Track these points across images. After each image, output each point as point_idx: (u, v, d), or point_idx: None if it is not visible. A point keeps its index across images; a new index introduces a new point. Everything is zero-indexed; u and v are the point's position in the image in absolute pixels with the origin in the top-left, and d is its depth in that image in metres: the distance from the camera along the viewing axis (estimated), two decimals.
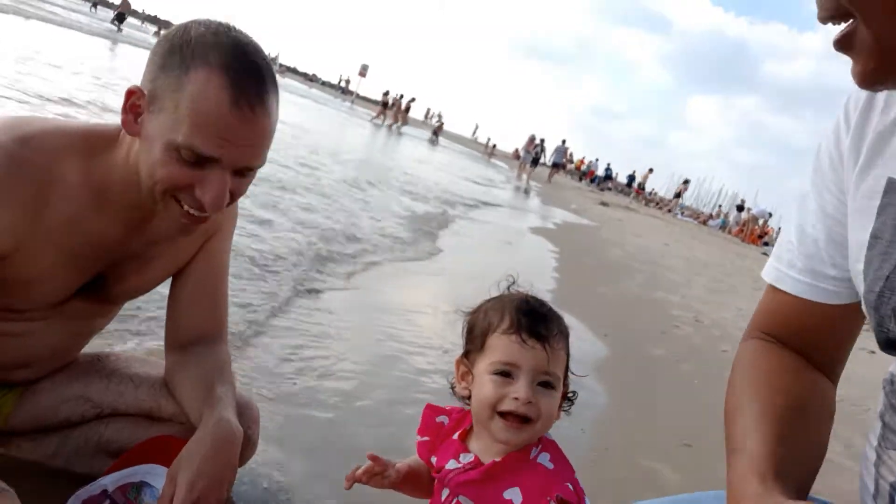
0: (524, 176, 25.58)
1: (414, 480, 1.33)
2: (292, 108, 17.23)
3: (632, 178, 41.74)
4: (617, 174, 39.89)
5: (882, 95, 0.86)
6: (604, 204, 20.82)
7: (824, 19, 0.72)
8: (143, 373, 1.57)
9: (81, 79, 8.75)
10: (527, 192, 18.84)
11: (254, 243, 4.14)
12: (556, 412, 1.20)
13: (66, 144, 1.27)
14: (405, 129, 32.57)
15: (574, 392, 1.24)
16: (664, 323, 5.18)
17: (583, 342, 4.04)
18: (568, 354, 1.20)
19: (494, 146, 41.90)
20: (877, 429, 0.88)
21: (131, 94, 1.22)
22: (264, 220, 4.77)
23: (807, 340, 0.97)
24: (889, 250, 0.81)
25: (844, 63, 0.74)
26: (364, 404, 2.47)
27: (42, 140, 1.25)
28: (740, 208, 33.84)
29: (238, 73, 1.18)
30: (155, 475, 1.37)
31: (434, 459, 1.25)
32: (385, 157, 14.34)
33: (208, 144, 1.17)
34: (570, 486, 1.14)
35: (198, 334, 1.55)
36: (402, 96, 33.77)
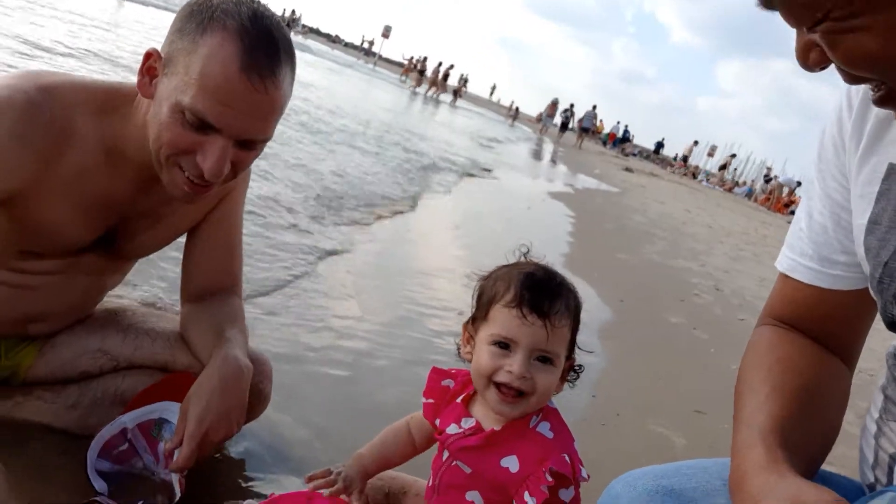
0: (545, 138, 25.56)
1: (383, 464, 1.36)
2: (311, 69, 17.13)
3: (660, 144, 41.26)
4: (633, 136, 39.52)
5: None
6: (628, 170, 20.58)
7: (851, 84, 0.72)
8: (159, 327, 1.60)
9: (86, 32, 8.76)
10: (553, 160, 18.63)
11: (265, 197, 4.17)
12: (559, 385, 1.21)
13: (85, 99, 1.29)
14: (442, 96, 32.15)
15: (580, 366, 1.24)
16: (683, 290, 5.15)
17: (598, 308, 4.04)
18: (575, 329, 1.19)
19: (517, 109, 41.37)
20: (878, 401, 0.88)
21: (149, 56, 1.23)
22: (278, 176, 4.80)
23: (821, 327, 0.96)
24: (887, 236, 0.80)
25: None
26: (379, 364, 2.50)
27: (62, 92, 1.27)
28: (767, 179, 33.36)
29: (252, 41, 1.17)
30: (172, 412, 1.41)
31: (438, 421, 1.27)
32: (404, 120, 14.26)
33: (212, 110, 1.17)
34: (567, 457, 1.15)
35: (212, 288, 1.59)
36: (440, 64, 33.20)
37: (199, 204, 1.52)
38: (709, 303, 4.93)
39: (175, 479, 1.35)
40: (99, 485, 1.36)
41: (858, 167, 0.85)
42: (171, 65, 1.20)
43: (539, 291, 1.15)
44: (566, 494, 1.17)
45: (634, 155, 37.91)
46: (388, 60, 56.75)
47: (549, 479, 1.12)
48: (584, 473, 1.17)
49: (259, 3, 1.24)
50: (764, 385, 0.87)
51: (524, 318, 1.12)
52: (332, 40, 64.87)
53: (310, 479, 1.28)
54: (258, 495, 1.55)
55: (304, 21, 53.46)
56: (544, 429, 1.19)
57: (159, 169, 1.27)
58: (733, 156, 38.52)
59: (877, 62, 0.64)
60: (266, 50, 1.19)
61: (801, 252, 0.96)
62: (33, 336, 1.54)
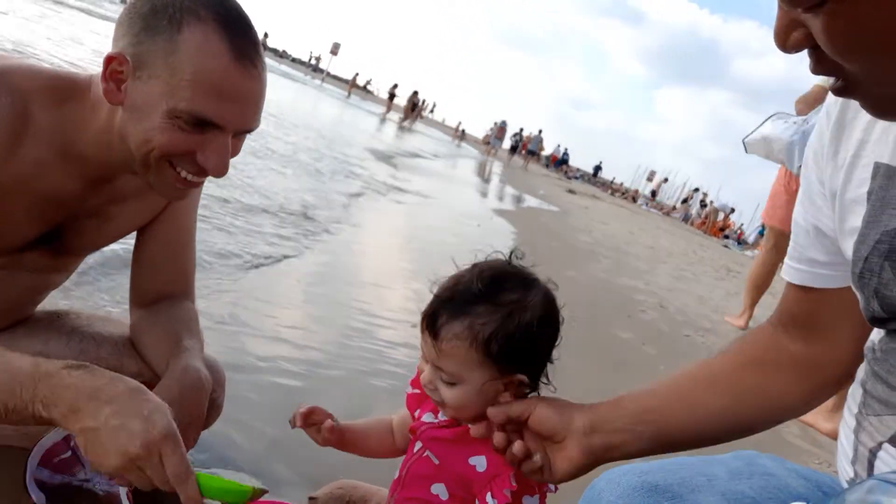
0: (492, 160, 26.18)
1: (356, 442, 1.31)
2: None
3: (598, 168, 42.97)
4: (567, 156, 41.02)
5: None
6: (571, 192, 20.98)
7: (818, 71, 0.70)
8: (106, 332, 1.51)
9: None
10: (502, 182, 18.84)
11: (219, 203, 4.06)
12: (505, 397, 1.12)
13: (41, 87, 1.20)
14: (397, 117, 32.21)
15: (524, 383, 1.13)
16: (630, 307, 5.23)
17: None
18: (487, 351, 1.08)
19: (464, 131, 41.88)
20: (858, 396, 0.88)
21: (111, 60, 1.13)
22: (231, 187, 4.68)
23: (820, 324, 1.00)
24: (867, 231, 0.81)
25: None
26: (332, 374, 2.43)
27: (17, 77, 1.18)
28: (703, 204, 34.74)
29: (234, 27, 1.12)
30: None
31: (417, 412, 1.24)
32: (346, 132, 14.21)
33: (214, 108, 1.11)
34: None
35: (164, 292, 1.50)
36: (415, 93, 33.08)
37: (152, 202, 1.44)
38: (655, 319, 5.01)
39: (123, 492, 1.26)
40: (37, 496, 1.26)
41: (848, 173, 0.86)
42: (145, 67, 1.11)
43: (437, 308, 1.10)
44: (530, 501, 1.14)
45: (577, 178, 38.90)
46: (336, 77, 56.51)
47: (514, 483, 1.09)
48: (550, 483, 1.15)
49: None
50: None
51: (422, 334, 1.11)
52: (280, 55, 64.24)
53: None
54: None
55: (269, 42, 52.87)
56: None
57: (144, 170, 1.18)
58: (696, 190, 40.06)
59: (867, 44, 0.63)
60: (247, 33, 1.15)
61: (789, 255, 1.01)
62: None
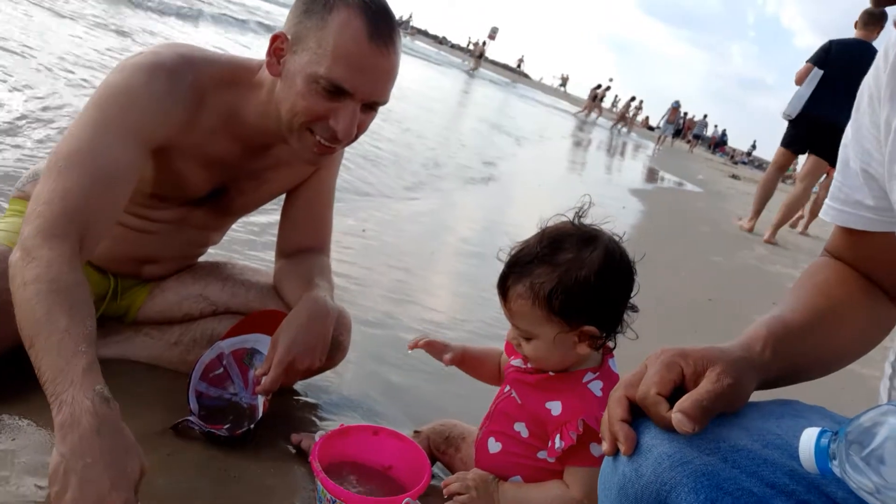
0: (659, 148, 25.33)
1: (474, 365, 1.53)
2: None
3: (752, 147, 42.10)
4: (726, 137, 39.96)
5: None
6: (734, 177, 19.77)
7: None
8: (254, 279, 1.79)
9: None
10: (660, 164, 18.15)
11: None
12: (580, 347, 1.24)
13: (215, 71, 1.47)
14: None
15: (594, 334, 1.23)
16: (777, 296, 4.97)
17: (687, 306, 4.00)
18: (549, 306, 1.20)
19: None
20: None
21: (276, 38, 1.40)
22: None
23: (866, 265, 1.02)
24: None
25: None
26: (452, 335, 2.61)
27: (198, 62, 1.46)
28: None
29: (374, 14, 1.35)
30: (263, 343, 1.60)
31: (512, 358, 1.39)
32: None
33: (346, 75, 1.34)
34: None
35: (303, 246, 1.77)
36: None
37: (300, 170, 1.71)
38: None
39: (260, 400, 1.52)
40: (193, 405, 1.54)
41: None
42: (299, 42, 1.37)
43: (504, 273, 1.26)
44: (597, 450, 1.22)
45: (744, 163, 36.59)
46: (493, 62, 56.72)
47: (580, 429, 1.19)
48: None
49: None
50: (793, 300, 0.97)
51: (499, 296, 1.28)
52: (439, 42, 65.61)
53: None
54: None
55: (413, 23, 54.42)
56: (595, 387, 1.26)
57: (289, 135, 1.44)
58: None
59: None
60: (386, 21, 1.37)
61: (833, 197, 1.02)
62: (146, 278, 1.76)
